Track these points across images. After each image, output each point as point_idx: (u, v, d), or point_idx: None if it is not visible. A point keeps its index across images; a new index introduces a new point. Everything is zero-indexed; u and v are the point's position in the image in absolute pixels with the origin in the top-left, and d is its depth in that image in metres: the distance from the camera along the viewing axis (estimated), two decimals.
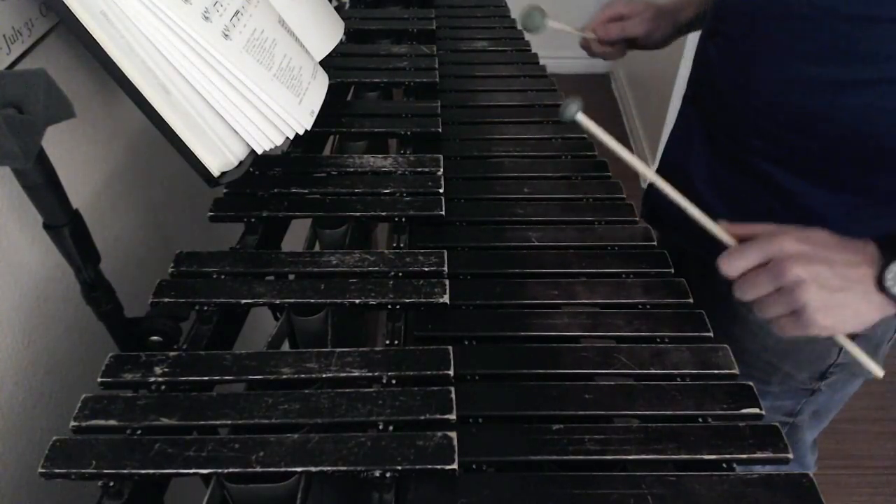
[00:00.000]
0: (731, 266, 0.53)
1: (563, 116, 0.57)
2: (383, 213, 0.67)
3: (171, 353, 0.52)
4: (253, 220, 0.67)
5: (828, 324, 0.51)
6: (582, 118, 0.58)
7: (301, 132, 0.65)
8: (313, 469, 0.45)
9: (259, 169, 0.71)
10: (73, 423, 0.47)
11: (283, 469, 0.45)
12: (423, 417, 0.48)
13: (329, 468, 0.45)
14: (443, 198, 0.69)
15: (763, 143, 0.70)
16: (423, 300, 0.58)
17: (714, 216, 0.73)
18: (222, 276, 0.60)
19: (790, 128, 0.67)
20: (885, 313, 0.52)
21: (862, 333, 0.74)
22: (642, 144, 2.41)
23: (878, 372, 0.56)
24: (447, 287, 0.59)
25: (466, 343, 0.57)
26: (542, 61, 1.02)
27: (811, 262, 0.50)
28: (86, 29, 0.52)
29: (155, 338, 0.55)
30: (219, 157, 0.60)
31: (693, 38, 0.87)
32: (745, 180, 0.73)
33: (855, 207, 0.67)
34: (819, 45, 0.61)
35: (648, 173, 0.59)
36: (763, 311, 0.53)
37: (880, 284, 0.50)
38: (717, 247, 0.71)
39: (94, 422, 0.47)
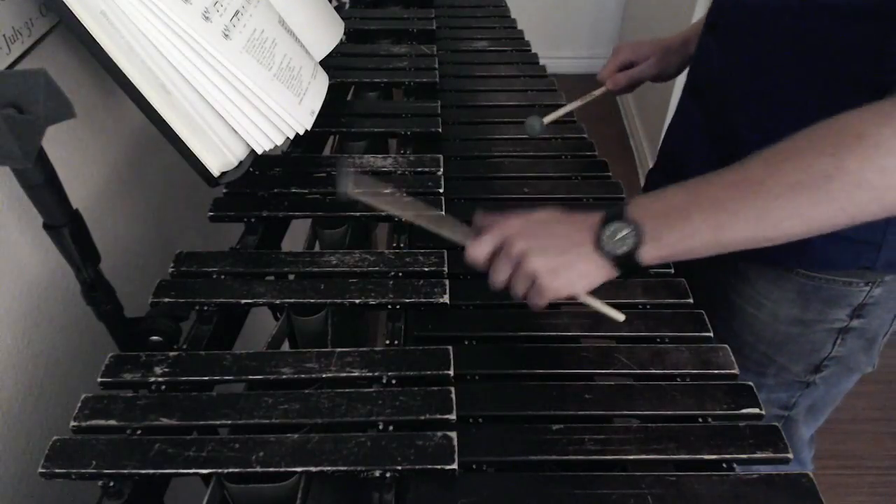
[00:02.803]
0: (474, 255, 0.56)
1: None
2: (383, 213, 0.67)
3: (171, 353, 0.52)
4: (253, 220, 0.67)
5: (558, 285, 0.54)
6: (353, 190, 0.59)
7: (301, 132, 0.65)
8: (313, 469, 0.45)
9: (259, 169, 0.71)
10: (73, 423, 0.47)
11: (283, 469, 0.45)
12: (423, 417, 0.48)
13: (329, 468, 0.45)
14: (443, 198, 0.69)
15: (759, 137, 0.70)
16: (423, 300, 0.58)
17: None
18: (222, 276, 0.60)
19: (785, 121, 0.67)
20: (609, 274, 0.55)
21: (857, 327, 0.75)
22: (642, 144, 2.41)
23: (619, 316, 0.58)
24: (447, 287, 0.59)
25: (466, 343, 0.57)
26: (542, 61, 1.02)
27: (532, 235, 0.55)
28: (86, 29, 0.52)
29: (155, 338, 0.55)
30: (219, 157, 0.60)
31: None
32: None
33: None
34: (808, 39, 0.62)
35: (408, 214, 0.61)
36: (513, 292, 0.56)
37: (597, 244, 0.54)
38: None
39: (94, 422, 0.47)
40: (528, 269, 0.54)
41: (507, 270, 0.56)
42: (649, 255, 0.53)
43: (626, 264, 0.54)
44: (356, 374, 0.51)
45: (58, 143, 0.58)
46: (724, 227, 0.51)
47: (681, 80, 0.85)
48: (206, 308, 0.57)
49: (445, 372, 0.52)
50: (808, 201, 0.49)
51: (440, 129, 0.80)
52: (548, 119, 0.79)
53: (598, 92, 0.88)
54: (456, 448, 0.46)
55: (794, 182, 0.49)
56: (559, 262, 0.54)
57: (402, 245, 0.65)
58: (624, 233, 0.53)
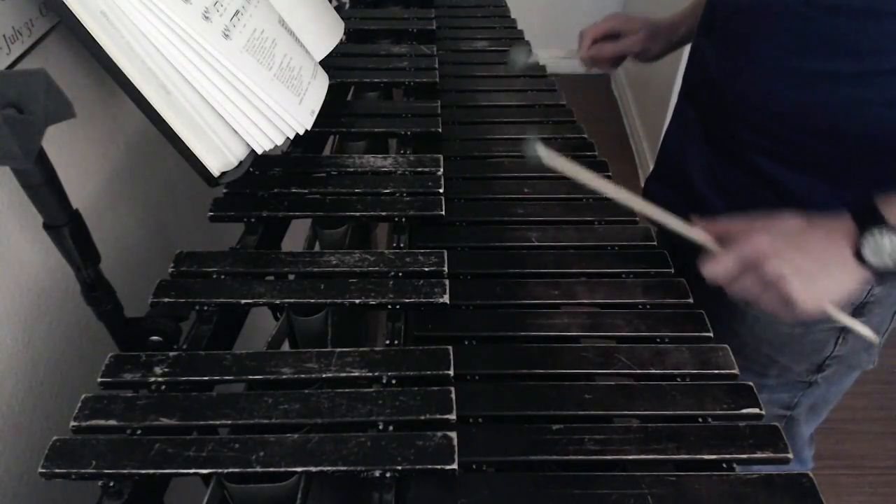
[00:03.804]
0: (713, 274, 0.56)
1: (528, 155, 0.59)
2: (383, 213, 0.67)
3: (171, 353, 0.52)
4: (253, 220, 0.67)
5: (816, 305, 0.53)
6: (545, 154, 0.59)
7: (301, 132, 0.65)
8: (313, 469, 0.45)
9: (259, 169, 0.71)
10: (73, 423, 0.47)
11: (283, 469, 0.45)
12: (423, 417, 0.48)
13: (329, 468, 0.45)
14: (443, 198, 0.69)
15: (757, 138, 0.70)
16: (423, 300, 0.58)
17: (711, 210, 0.72)
18: (222, 276, 0.60)
19: (783, 122, 0.67)
20: (865, 283, 0.54)
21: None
22: (642, 144, 2.41)
23: (872, 336, 0.57)
24: (447, 287, 0.58)
25: (466, 343, 0.57)
26: (542, 61, 1.02)
27: (786, 253, 0.52)
28: (86, 29, 0.52)
29: (155, 338, 0.55)
30: (219, 157, 0.60)
31: None
32: (740, 174, 0.73)
33: (847, 199, 0.68)
34: (809, 39, 0.62)
35: (622, 196, 0.61)
36: (760, 307, 0.56)
37: (858, 256, 0.52)
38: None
39: (94, 422, 0.47)
40: (785, 291, 0.52)
41: (757, 289, 0.54)
42: None
43: (888, 273, 0.52)
44: (356, 374, 0.51)
45: (58, 143, 0.58)
46: None
47: (680, 82, 0.86)
48: (206, 308, 0.57)
49: (445, 372, 0.51)
50: None
51: (440, 129, 0.80)
52: (533, 59, 0.79)
53: (581, 55, 0.91)
54: (456, 448, 0.46)
55: None
56: (818, 281, 0.53)
57: (402, 245, 0.65)
58: (891, 242, 0.51)
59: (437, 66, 0.90)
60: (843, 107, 0.63)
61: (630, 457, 0.48)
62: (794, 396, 0.84)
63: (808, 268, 0.52)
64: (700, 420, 0.51)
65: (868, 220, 0.52)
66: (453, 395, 0.49)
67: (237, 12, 0.60)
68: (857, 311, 0.74)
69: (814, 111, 0.65)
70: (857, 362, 0.81)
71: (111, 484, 0.45)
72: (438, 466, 0.45)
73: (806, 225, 0.55)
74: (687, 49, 0.84)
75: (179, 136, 0.57)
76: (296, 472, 0.45)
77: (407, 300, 0.57)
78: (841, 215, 0.54)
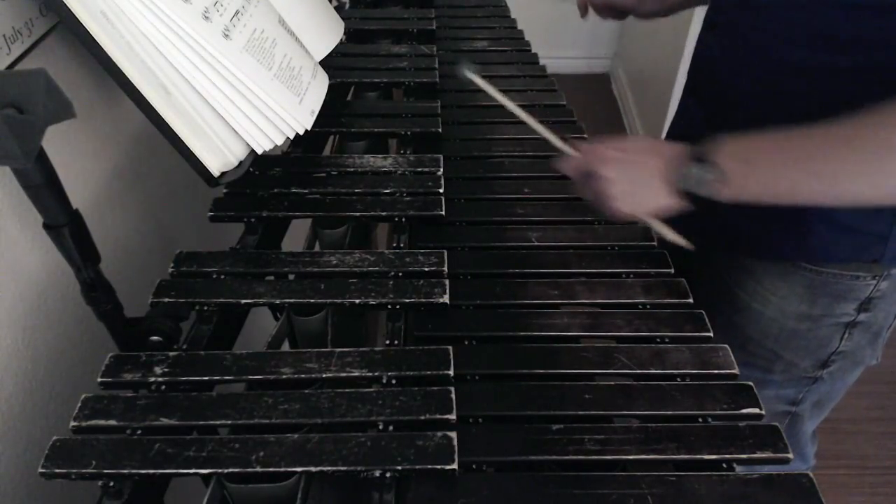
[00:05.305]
0: (562, 167, 0.65)
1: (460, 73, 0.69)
2: (383, 213, 0.67)
3: (171, 353, 0.53)
4: (253, 220, 0.67)
5: (630, 211, 0.62)
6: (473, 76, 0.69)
7: (301, 132, 0.65)
8: (313, 469, 0.45)
9: (259, 169, 0.71)
10: (73, 423, 0.47)
11: (283, 469, 0.45)
12: (423, 417, 0.48)
13: (329, 468, 0.45)
14: (443, 198, 0.69)
15: (759, 132, 0.70)
16: (423, 300, 0.58)
17: (713, 203, 0.73)
18: (222, 276, 0.60)
19: (785, 116, 0.67)
20: (683, 204, 0.61)
21: (863, 321, 0.75)
22: None
23: (688, 244, 0.64)
24: (447, 287, 0.59)
25: (466, 343, 0.57)
26: (542, 61, 1.02)
27: (620, 163, 0.61)
28: (86, 29, 0.52)
29: (155, 338, 0.55)
30: (219, 157, 0.60)
31: (693, 37, 0.87)
32: None
33: None
34: (813, 33, 0.62)
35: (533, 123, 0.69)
36: (595, 205, 0.64)
37: (678, 183, 0.60)
38: (717, 239, 0.72)
39: (94, 422, 0.48)
40: (609, 192, 0.61)
41: (588, 189, 0.63)
42: (726, 196, 0.58)
43: (702, 199, 0.58)
44: (356, 374, 0.51)
45: (58, 143, 0.58)
46: (806, 181, 0.56)
47: (681, 81, 0.86)
48: (206, 308, 0.57)
49: (445, 372, 0.52)
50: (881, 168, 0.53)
51: (440, 129, 0.80)
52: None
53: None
54: (456, 448, 0.46)
55: (884, 142, 0.53)
56: (636, 190, 0.61)
57: (402, 245, 0.65)
58: (707, 177, 0.58)
59: (437, 66, 0.90)
60: (844, 101, 0.63)
61: (630, 457, 0.48)
62: (799, 392, 0.84)
63: (630, 178, 0.61)
64: (700, 420, 0.51)
65: (698, 154, 0.59)
66: (453, 395, 0.49)
67: (237, 12, 0.60)
68: (863, 305, 0.74)
69: (816, 106, 0.65)
70: (862, 358, 0.81)
71: (111, 484, 0.45)
72: (438, 466, 0.45)
73: (650, 146, 0.63)
74: (690, 46, 0.84)
75: (179, 136, 0.57)
76: (296, 472, 0.45)
77: (407, 300, 0.57)
78: (681, 145, 0.61)
